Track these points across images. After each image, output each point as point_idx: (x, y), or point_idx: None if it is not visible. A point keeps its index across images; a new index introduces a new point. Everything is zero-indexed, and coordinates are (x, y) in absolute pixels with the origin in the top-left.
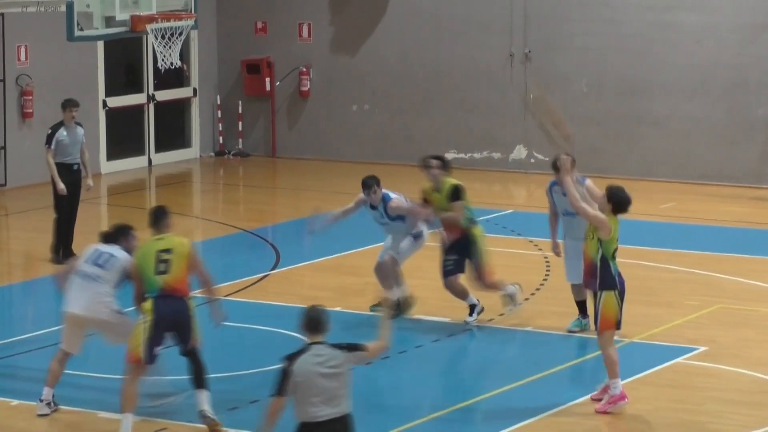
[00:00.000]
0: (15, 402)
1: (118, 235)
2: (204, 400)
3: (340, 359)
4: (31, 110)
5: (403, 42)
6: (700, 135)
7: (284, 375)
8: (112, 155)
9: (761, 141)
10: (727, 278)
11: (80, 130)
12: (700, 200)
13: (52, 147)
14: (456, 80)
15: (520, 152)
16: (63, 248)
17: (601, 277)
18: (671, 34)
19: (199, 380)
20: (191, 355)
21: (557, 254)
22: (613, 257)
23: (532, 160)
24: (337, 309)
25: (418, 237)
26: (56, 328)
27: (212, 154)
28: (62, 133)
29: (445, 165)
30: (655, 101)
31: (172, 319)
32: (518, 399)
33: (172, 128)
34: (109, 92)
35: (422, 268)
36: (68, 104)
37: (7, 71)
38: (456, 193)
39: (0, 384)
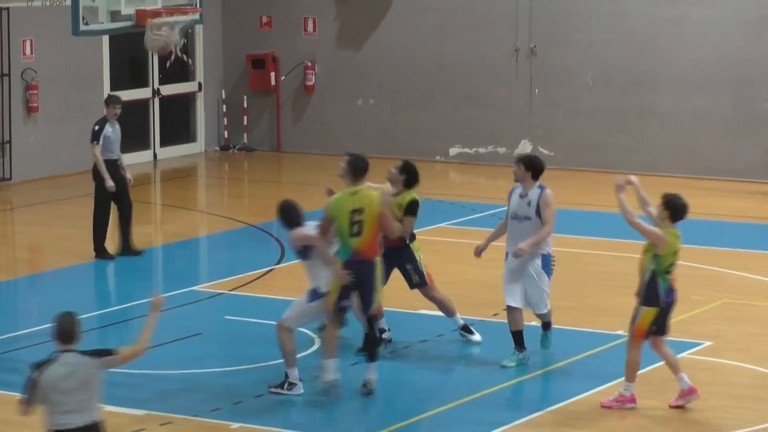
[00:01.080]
0: (20, 396)
1: None
2: (369, 371)
3: (88, 367)
4: (36, 104)
5: (408, 36)
6: (705, 129)
7: (31, 385)
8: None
9: (766, 136)
10: (732, 273)
11: (118, 127)
12: (704, 195)
13: (100, 143)
14: (461, 75)
15: (525, 147)
16: (99, 248)
17: (646, 293)
18: (676, 29)
19: (368, 351)
20: (369, 322)
21: (477, 254)
22: (667, 272)
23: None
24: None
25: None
26: None
27: (217, 148)
28: (108, 129)
29: (410, 174)
30: (661, 95)
31: (358, 282)
32: (520, 393)
33: (177, 123)
34: (114, 87)
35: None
36: (111, 100)
37: (12, 66)
38: (413, 208)
39: (4, 378)
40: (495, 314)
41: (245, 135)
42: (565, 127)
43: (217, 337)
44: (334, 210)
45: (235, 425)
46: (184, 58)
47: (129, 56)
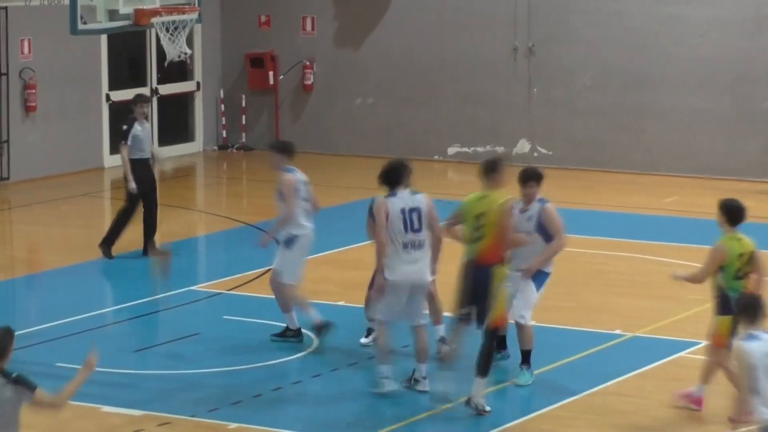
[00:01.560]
0: None
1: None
2: (476, 387)
3: (4, 389)
4: (34, 104)
5: (407, 35)
6: (704, 128)
7: None
8: (114, 149)
9: (765, 134)
10: None
11: (148, 125)
12: (703, 194)
13: (129, 143)
14: (460, 74)
15: (523, 146)
16: (107, 242)
17: (719, 303)
18: (675, 27)
19: (478, 366)
20: (485, 334)
21: None
22: (737, 278)
23: (536, 154)
24: (341, 303)
25: (289, 242)
26: (59, 322)
27: (216, 147)
28: (137, 128)
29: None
30: (660, 94)
31: (473, 288)
32: (517, 393)
33: (176, 122)
34: (113, 86)
35: None
36: (139, 99)
37: (10, 65)
38: None
39: None
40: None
41: (244, 134)
42: (563, 126)
43: (215, 337)
44: (464, 211)
45: (233, 425)
46: (183, 57)
47: (127, 55)
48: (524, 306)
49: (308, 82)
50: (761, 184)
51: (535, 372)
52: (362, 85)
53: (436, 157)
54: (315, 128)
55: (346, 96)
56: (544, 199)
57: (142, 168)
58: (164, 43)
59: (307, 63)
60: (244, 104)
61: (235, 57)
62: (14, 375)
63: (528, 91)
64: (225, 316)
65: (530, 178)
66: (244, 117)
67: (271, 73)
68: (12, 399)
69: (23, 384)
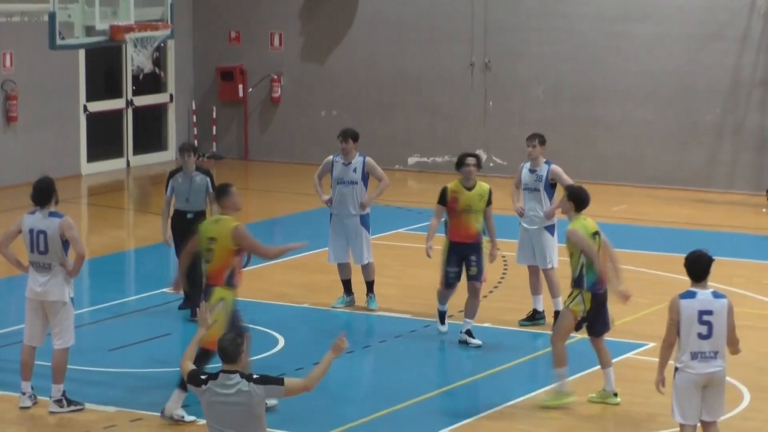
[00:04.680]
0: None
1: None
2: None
3: (253, 390)
4: (15, 114)
5: (370, 51)
6: (650, 140)
7: None
8: (92, 157)
9: (708, 146)
10: (675, 277)
11: (199, 177)
12: (650, 203)
13: (167, 194)
14: (420, 87)
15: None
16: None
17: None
18: (623, 44)
19: (181, 380)
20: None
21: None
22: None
23: (491, 164)
24: (305, 305)
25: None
26: None
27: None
28: (178, 179)
29: (480, 164)
30: (609, 107)
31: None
32: (476, 392)
33: (150, 132)
34: (90, 97)
35: (388, 265)
36: (183, 148)
37: None
38: (490, 197)
39: None
40: (450, 316)
41: (214, 144)
42: (518, 136)
43: (185, 338)
44: (199, 234)
45: (203, 421)
46: (157, 70)
47: (104, 69)
48: (550, 253)
49: (276, 95)
50: (704, 193)
51: (489, 372)
52: (327, 98)
53: (396, 166)
54: (282, 139)
55: (311, 108)
56: (549, 161)
57: (181, 221)
58: (137, 57)
59: (275, 77)
60: (214, 115)
61: (207, 70)
62: (256, 376)
63: (484, 103)
64: (195, 318)
65: (533, 137)
66: (214, 127)
67: (240, 86)
68: (262, 397)
69: (270, 381)
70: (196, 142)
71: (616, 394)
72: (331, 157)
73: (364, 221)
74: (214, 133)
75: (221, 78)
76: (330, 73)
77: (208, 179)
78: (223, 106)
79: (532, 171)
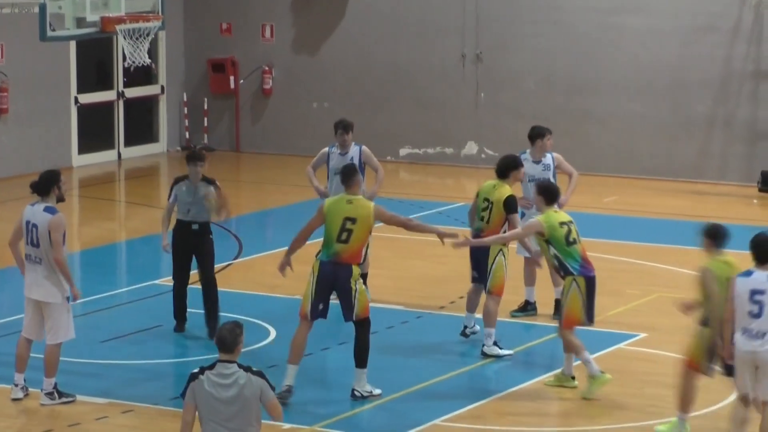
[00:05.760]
0: None
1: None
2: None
3: (250, 380)
4: (6, 106)
5: (362, 42)
6: (642, 132)
7: None
8: (83, 149)
9: (700, 137)
10: (666, 268)
11: (203, 187)
12: (642, 194)
13: (170, 200)
14: (411, 79)
15: (471, 148)
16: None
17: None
18: (616, 36)
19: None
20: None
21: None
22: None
23: (483, 156)
24: (297, 296)
25: None
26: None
27: (179, 148)
28: (182, 187)
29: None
30: (601, 99)
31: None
32: (469, 382)
33: (141, 124)
34: (81, 89)
35: (381, 257)
36: (190, 158)
37: None
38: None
39: None
40: (441, 307)
41: (206, 136)
42: (509, 129)
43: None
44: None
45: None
46: (148, 62)
47: (95, 60)
48: None
49: (267, 87)
50: (695, 184)
51: (480, 364)
52: (319, 90)
53: (388, 158)
54: (274, 131)
55: (303, 100)
56: (551, 151)
57: (183, 230)
58: (127, 49)
59: (267, 68)
60: (206, 107)
61: (198, 62)
62: (255, 369)
63: (476, 95)
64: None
65: (549, 131)
66: (206, 119)
67: (232, 78)
68: (259, 390)
69: (266, 380)
70: (187, 133)
71: (573, 378)
72: (326, 148)
73: None
74: (206, 124)
75: (213, 70)
76: (322, 65)
77: (213, 189)
78: (214, 97)
79: (536, 162)
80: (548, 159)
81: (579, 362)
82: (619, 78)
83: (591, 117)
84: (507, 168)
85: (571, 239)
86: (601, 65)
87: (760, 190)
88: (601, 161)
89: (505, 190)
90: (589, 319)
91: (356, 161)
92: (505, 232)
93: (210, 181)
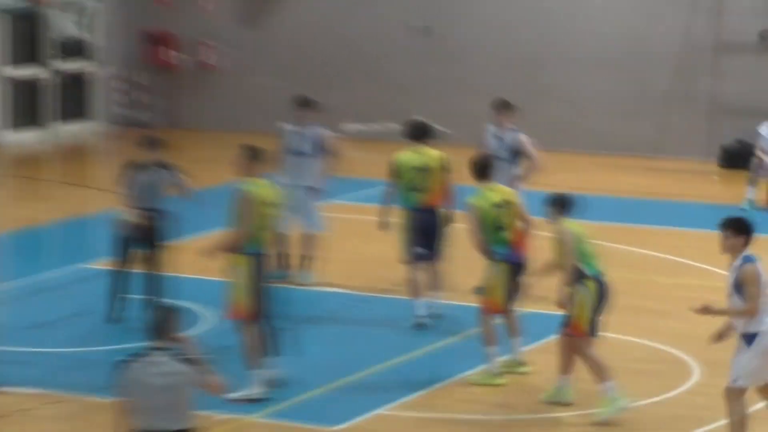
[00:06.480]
0: None
1: None
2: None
3: (177, 365)
4: None
5: (309, 14)
6: (599, 107)
7: None
8: (14, 126)
9: (658, 112)
10: (623, 248)
11: (158, 173)
12: (598, 171)
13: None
14: (358, 53)
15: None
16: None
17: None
18: (574, 9)
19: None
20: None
21: None
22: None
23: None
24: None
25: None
26: None
27: (114, 125)
28: (134, 173)
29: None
30: (556, 73)
31: None
32: (416, 368)
33: (75, 100)
34: (12, 63)
35: (326, 239)
36: (143, 142)
37: None
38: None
39: None
40: (386, 290)
41: (144, 112)
42: (461, 104)
43: (104, 315)
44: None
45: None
46: (82, 35)
47: (26, 34)
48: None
49: (209, 61)
50: (654, 161)
51: (427, 350)
52: (262, 64)
53: (336, 135)
54: (215, 106)
55: (246, 74)
56: (516, 129)
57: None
58: (59, 22)
59: (208, 41)
60: (144, 82)
61: (135, 35)
62: (186, 356)
63: (425, 70)
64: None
65: (505, 105)
66: (144, 95)
67: (171, 52)
68: (191, 378)
69: (199, 364)
70: (123, 110)
71: (523, 363)
72: (284, 124)
73: (318, 192)
74: (144, 100)
75: (151, 43)
76: (265, 38)
77: (169, 174)
78: (152, 72)
79: (497, 138)
80: (508, 138)
81: (527, 348)
82: (575, 51)
83: (545, 91)
84: (423, 131)
85: (499, 224)
86: (558, 38)
87: (720, 166)
88: (556, 137)
89: (436, 152)
90: (508, 307)
91: (314, 142)
92: (447, 198)
93: (166, 166)
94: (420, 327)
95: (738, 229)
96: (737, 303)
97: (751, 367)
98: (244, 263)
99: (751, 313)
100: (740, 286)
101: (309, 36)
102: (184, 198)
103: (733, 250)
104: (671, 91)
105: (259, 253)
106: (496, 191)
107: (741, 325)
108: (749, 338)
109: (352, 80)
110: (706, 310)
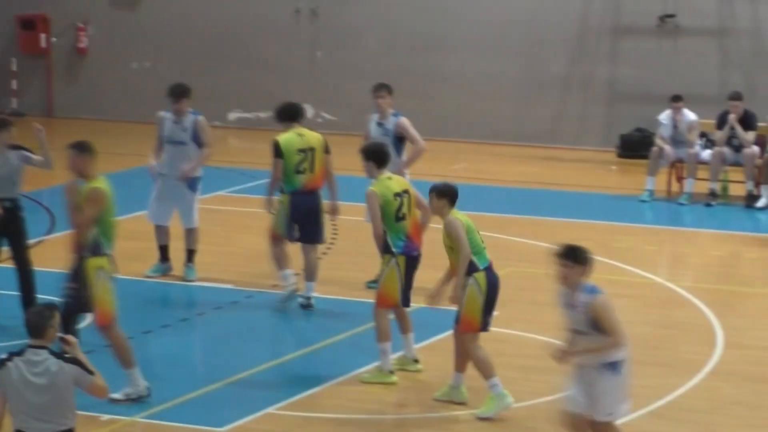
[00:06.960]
0: None
1: None
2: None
3: (60, 366)
4: None
5: None
6: (493, 93)
7: None
8: None
9: (555, 99)
10: (520, 241)
11: (15, 158)
12: (493, 160)
13: None
14: (241, 37)
15: (307, 111)
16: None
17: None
18: None
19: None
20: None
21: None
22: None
23: (320, 120)
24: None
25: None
26: None
27: None
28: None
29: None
30: (449, 58)
31: None
32: (305, 366)
33: None
34: None
35: (206, 231)
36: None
37: None
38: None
39: None
40: (274, 285)
41: (14, 100)
42: (349, 90)
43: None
44: None
45: None
46: None
47: None
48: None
49: (82, 45)
50: (548, 149)
51: (315, 347)
52: (139, 49)
53: (216, 123)
54: (90, 93)
55: (122, 60)
56: (398, 113)
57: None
58: None
59: (81, 25)
60: (14, 68)
61: (4, 19)
62: (68, 355)
63: (311, 54)
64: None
65: (381, 88)
66: (14, 82)
67: (42, 36)
68: (72, 379)
69: (82, 366)
70: None
71: (417, 361)
72: (161, 113)
73: (194, 184)
74: (14, 87)
75: (21, 27)
76: (143, 22)
77: (27, 156)
78: (23, 57)
79: (379, 124)
80: (390, 123)
81: (420, 345)
82: (467, 35)
83: (437, 77)
84: (296, 112)
85: (400, 214)
86: (448, 21)
87: (619, 156)
88: (448, 125)
89: (316, 133)
90: (405, 301)
91: (190, 131)
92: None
93: (19, 147)
94: (307, 308)
95: (576, 258)
96: (598, 339)
97: (622, 394)
98: (105, 264)
99: (618, 344)
100: (595, 321)
101: (186, 19)
102: (45, 168)
103: (570, 281)
104: (567, 77)
105: (108, 254)
106: (394, 180)
107: (597, 357)
108: (613, 366)
109: (234, 66)
110: (566, 355)
